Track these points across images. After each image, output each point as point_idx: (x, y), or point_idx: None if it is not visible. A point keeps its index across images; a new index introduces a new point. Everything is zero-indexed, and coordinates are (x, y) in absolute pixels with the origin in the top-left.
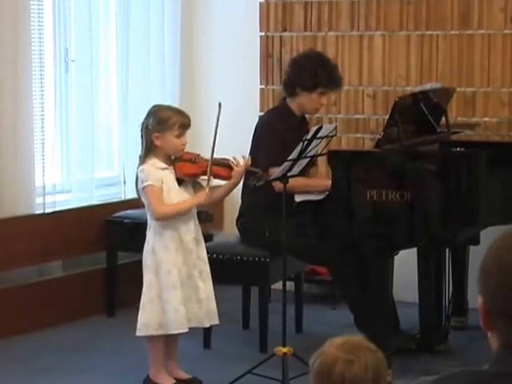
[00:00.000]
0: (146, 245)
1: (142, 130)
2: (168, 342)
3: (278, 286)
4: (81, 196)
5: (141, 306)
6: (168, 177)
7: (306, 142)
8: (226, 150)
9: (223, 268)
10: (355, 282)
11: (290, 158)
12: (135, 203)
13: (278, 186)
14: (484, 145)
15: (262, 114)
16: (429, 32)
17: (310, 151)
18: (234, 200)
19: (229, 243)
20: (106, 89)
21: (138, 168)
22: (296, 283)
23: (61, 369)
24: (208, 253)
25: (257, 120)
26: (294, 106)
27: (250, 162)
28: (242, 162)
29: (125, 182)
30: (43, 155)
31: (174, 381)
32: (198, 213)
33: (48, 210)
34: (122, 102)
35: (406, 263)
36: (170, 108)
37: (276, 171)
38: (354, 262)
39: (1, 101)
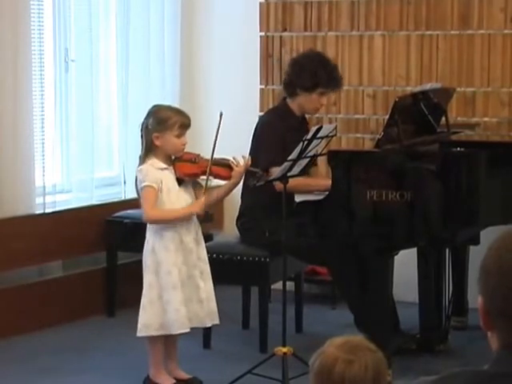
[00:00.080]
0: (145, 245)
1: (141, 130)
2: (168, 342)
3: (278, 286)
4: (81, 196)
5: (141, 307)
6: (168, 177)
7: (305, 142)
8: (226, 150)
9: (223, 268)
10: (355, 282)
11: (289, 158)
12: (135, 203)
13: (278, 185)
14: (484, 145)
15: (262, 114)
16: (429, 32)
17: (310, 151)
18: (234, 200)
19: (229, 243)
20: (106, 89)
21: (137, 168)
22: (296, 283)
23: (61, 369)
24: (208, 253)
25: (257, 120)
26: (294, 106)
27: (249, 162)
28: (241, 162)
29: (125, 182)
30: (43, 155)
31: (174, 381)
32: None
33: (48, 210)
34: (121, 102)
35: (406, 263)
36: (169, 108)
37: (276, 171)
38: (353, 262)
39: (1, 101)
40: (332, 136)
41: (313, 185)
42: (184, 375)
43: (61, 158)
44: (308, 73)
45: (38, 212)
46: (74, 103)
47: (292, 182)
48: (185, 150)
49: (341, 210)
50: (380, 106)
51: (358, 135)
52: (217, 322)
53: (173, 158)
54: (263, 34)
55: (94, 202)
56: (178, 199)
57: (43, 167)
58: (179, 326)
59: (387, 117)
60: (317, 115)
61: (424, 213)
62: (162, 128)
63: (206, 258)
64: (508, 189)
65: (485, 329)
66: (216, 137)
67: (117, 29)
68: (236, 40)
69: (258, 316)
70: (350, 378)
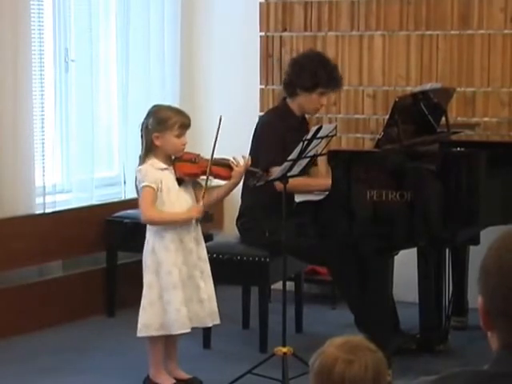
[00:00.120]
0: (145, 245)
1: (141, 130)
2: (168, 342)
3: (278, 285)
4: (81, 196)
5: (141, 307)
6: (167, 177)
7: (305, 142)
8: (226, 150)
9: (223, 268)
10: (355, 282)
11: (289, 158)
12: (135, 203)
13: (279, 185)
14: (484, 145)
15: (262, 114)
16: (429, 32)
17: (310, 151)
18: (234, 200)
19: (229, 243)
20: (106, 89)
21: (136, 168)
22: (296, 283)
23: (61, 369)
24: (208, 253)
25: (257, 120)
26: (294, 106)
27: (249, 162)
28: (241, 162)
29: (125, 182)
30: (43, 155)
31: (174, 381)
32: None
33: (48, 210)
34: (121, 102)
35: (406, 263)
36: (169, 108)
37: (276, 171)
38: (354, 262)
39: (1, 101)
40: (332, 136)
41: (313, 184)
42: (184, 375)
43: (61, 158)
44: (308, 73)
45: (37, 212)
46: (74, 103)
47: (292, 181)
48: (185, 150)
49: (341, 209)
50: (380, 106)
51: (358, 135)
52: (218, 321)
53: (173, 158)
54: (263, 34)
55: (94, 201)
56: (177, 199)
57: (43, 167)
58: (180, 326)
59: (387, 117)
60: (317, 115)
61: (424, 213)
62: (162, 128)
63: (207, 258)
64: (508, 189)
65: (485, 329)
66: (215, 140)
67: (117, 29)
68: (236, 40)
69: (258, 316)
70: (349, 377)
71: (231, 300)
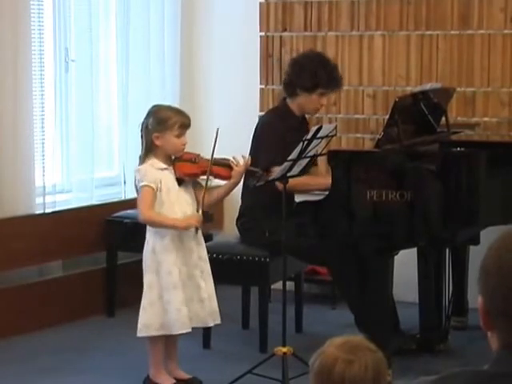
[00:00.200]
0: (146, 245)
1: (141, 130)
2: (168, 342)
3: (278, 285)
4: (81, 196)
5: (141, 307)
6: (167, 177)
7: (305, 142)
8: (226, 150)
9: (223, 268)
10: (355, 282)
11: (289, 158)
12: (135, 203)
13: (280, 185)
14: (484, 145)
15: (262, 114)
16: (429, 32)
17: (310, 151)
18: (234, 200)
19: (229, 243)
20: (106, 89)
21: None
22: (296, 283)
23: (61, 369)
24: (208, 253)
25: (257, 120)
26: (293, 107)
27: (249, 162)
28: (241, 162)
29: (125, 182)
30: (43, 155)
31: (174, 381)
32: (197, 210)
33: (48, 210)
34: (122, 102)
35: (406, 263)
36: (169, 108)
37: (277, 171)
38: (354, 262)
39: (1, 101)
40: (332, 136)
41: (312, 184)
42: (184, 375)
43: (61, 158)
44: (308, 73)
45: (38, 212)
46: (74, 103)
47: (292, 181)
48: (185, 150)
49: (341, 210)
50: (380, 106)
51: (358, 135)
52: (218, 321)
53: (173, 157)
54: (263, 34)
55: (94, 202)
56: (177, 199)
57: (43, 167)
58: (180, 325)
59: (387, 117)
60: (317, 115)
61: (424, 213)
62: (162, 128)
63: (207, 258)
64: (508, 189)
65: (485, 329)
66: (213, 150)
67: (117, 29)
68: (236, 40)
69: (258, 316)
70: (350, 377)
71: (231, 300)
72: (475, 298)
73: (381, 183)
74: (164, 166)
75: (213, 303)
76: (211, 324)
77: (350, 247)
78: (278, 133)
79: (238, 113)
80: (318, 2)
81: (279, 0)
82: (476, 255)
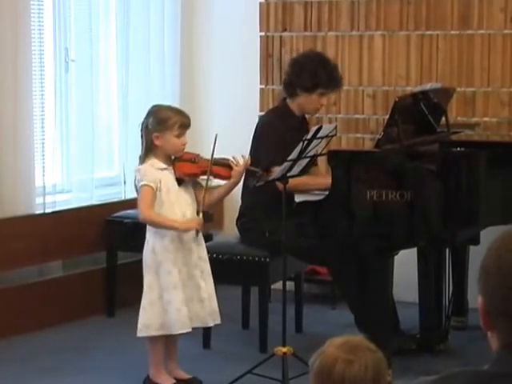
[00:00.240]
0: (146, 245)
1: (141, 130)
2: (168, 342)
3: (278, 285)
4: (81, 196)
5: (141, 307)
6: (167, 177)
7: (305, 142)
8: (226, 150)
9: (223, 268)
10: (355, 282)
11: (289, 158)
12: (135, 203)
13: (280, 185)
14: (484, 145)
15: (262, 114)
16: (429, 32)
17: (310, 151)
18: (234, 200)
19: (229, 243)
20: (106, 89)
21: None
22: (296, 283)
23: (61, 369)
24: (208, 253)
25: (257, 120)
26: (293, 107)
27: (249, 162)
28: (241, 162)
29: (125, 182)
30: (43, 155)
31: (174, 381)
32: (197, 213)
33: (48, 210)
34: (122, 102)
35: (406, 263)
36: (169, 108)
37: (277, 171)
38: (354, 262)
39: (1, 101)
40: (332, 136)
41: (312, 184)
42: (184, 375)
43: (61, 158)
44: (308, 73)
45: (38, 212)
46: (74, 103)
47: (292, 181)
48: (185, 150)
49: (341, 210)
50: (380, 106)
51: (358, 135)
52: (219, 321)
53: (173, 158)
54: (263, 34)
55: (94, 202)
56: (177, 199)
57: (43, 167)
58: (180, 325)
59: (387, 117)
60: (317, 115)
61: (424, 213)
62: (162, 128)
63: (207, 258)
64: (508, 189)
65: (485, 329)
66: (212, 156)
67: (117, 29)
68: (236, 40)
69: (258, 316)
70: (350, 377)
71: (231, 300)
72: (475, 298)
73: (381, 183)
74: (164, 165)
75: (213, 303)
76: (211, 324)
77: (350, 247)
78: (277, 133)
79: (238, 113)
80: (318, 2)
81: (279, 0)
82: (476, 255)
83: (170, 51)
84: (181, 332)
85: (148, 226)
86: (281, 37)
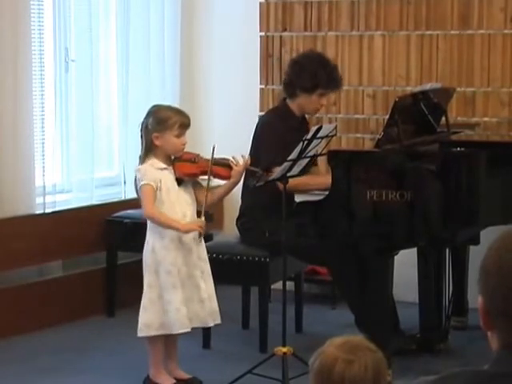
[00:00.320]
0: (146, 245)
1: (141, 130)
2: (168, 341)
3: (278, 285)
4: (81, 196)
5: (141, 307)
6: (167, 177)
7: (305, 142)
8: (226, 150)
9: (223, 268)
10: (355, 282)
11: (289, 158)
12: (135, 203)
13: (280, 185)
14: (484, 145)
15: (262, 114)
16: (429, 32)
17: (310, 151)
18: (234, 200)
19: (229, 243)
20: (106, 89)
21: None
22: (296, 283)
23: (61, 369)
24: (208, 253)
25: (257, 120)
26: (293, 107)
27: (249, 162)
28: (241, 162)
29: (125, 182)
30: (43, 155)
31: (174, 381)
32: (198, 213)
33: (48, 210)
34: (122, 102)
35: (405, 263)
36: (169, 108)
37: (277, 171)
38: (354, 262)
39: (1, 101)
40: (332, 136)
41: (312, 184)
42: (184, 375)
43: (61, 158)
44: (308, 73)
45: (38, 212)
46: (74, 103)
47: (292, 181)
48: (185, 150)
49: (341, 210)
50: (380, 106)
51: (358, 135)
52: (219, 321)
53: (172, 157)
54: (263, 33)
55: (94, 201)
56: (177, 199)
57: (43, 167)
58: (180, 325)
59: (387, 117)
60: (317, 115)
61: (424, 213)
62: (162, 128)
63: (207, 258)
64: (508, 189)
65: (485, 329)
66: (211, 164)
67: (117, 29)
68: (236, 40)
69: (258, 316)
70: (349, 377)
71: (231, 300)
72: (475, 298)
73: (381, 183)
74: (164, 165)
75: (213, 303)
76: (211, 324)
77: (350, 247)
78: (278, 133)
79: (238, 113)
80: (318, 2)
81: (279, 0)
82: (476, 255)
83: (169, 51)
84: (180, 332)
85: (148, 226)
86: (281, 37)
